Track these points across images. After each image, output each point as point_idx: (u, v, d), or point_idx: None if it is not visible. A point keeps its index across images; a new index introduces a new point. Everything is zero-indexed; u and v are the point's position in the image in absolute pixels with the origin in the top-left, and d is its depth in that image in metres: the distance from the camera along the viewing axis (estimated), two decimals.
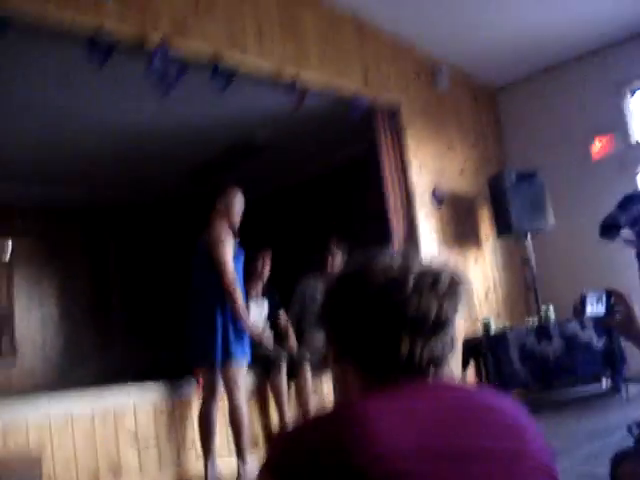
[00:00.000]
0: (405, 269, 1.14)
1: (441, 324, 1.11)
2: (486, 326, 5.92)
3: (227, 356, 4.40)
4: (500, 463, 1.02)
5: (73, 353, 8.15)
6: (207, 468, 4.52)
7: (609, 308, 1.71)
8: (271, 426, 5.20)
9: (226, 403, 4.57)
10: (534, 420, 1.12)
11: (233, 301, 4.40)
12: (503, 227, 6.73)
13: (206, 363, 4.50)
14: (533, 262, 6.72)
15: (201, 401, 4.64)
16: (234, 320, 4.45)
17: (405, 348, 1.09)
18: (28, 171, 7.33)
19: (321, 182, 8.36)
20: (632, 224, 5.83)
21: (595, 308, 1.71)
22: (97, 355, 8.21)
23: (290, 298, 5.74)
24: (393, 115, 6.49)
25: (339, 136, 7.12)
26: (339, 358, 1.19)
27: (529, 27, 6.49)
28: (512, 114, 7.64)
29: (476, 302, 6.76)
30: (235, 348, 4.43)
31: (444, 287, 1.13)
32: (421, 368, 1.11)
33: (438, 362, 1.12)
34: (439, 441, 1.00)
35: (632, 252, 5.52)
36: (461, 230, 6.87)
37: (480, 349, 5.68)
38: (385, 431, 0.98)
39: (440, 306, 1.11)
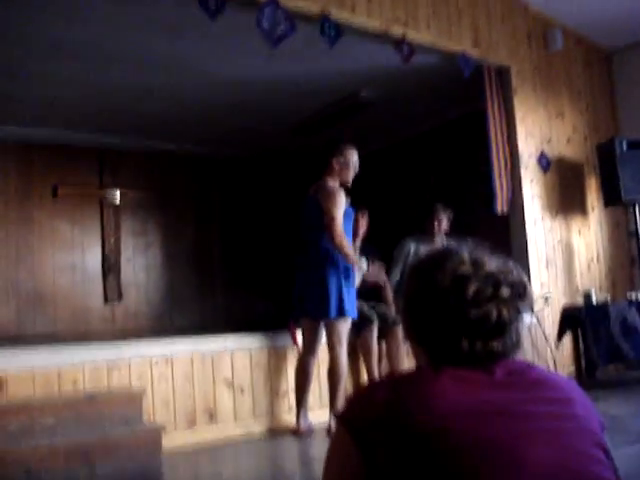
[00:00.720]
0: (469, 273, 1.19)
1: (501, 327, 1.17)
2: (587, 297, 5.77)
3: (339, 312, 4.46)
4: (547, 422, 1.10)
5: (175, 299, 8.44)
6: (300, 419, 4.64)
7: None
8: (360, 384, 5.26)
9: (323, 356, 4.66)
10: (586, 395, 1.20)
11: (344, 252, 4.42)
12: (611, 197, 6.48)
13: (317, 317, 4.56)
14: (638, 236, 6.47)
15: (300, 354, 4.74)
16: (345, 276, 4.50)
17: (465, 346, 1.17)
18: (136, 122, 7.56)
19: (431, 138, 8.24)
20: None
21: None
22: (198, 302, 8.49)
23: (392, 257, 5.74)
24: (501, 77, 6.33)
25: (450, 93, 6.98)
26: (411, 339, 1.30)
27: None
28: (626, 79, 7.29)
29: (577, 272, 6.60)
30: (347, 304, 4.48)
31: (505, 293, 1.18)
32: (482, 361, 1.17)
33: (499, 357, 1.18)
34: (493, 405, 1.09)
35: None
36: (567, 198, 6.67)
37: (579, 320, 5.55)
38: (446, 394, 1.08)
39: (499, 311, 1.17)
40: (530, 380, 1.16)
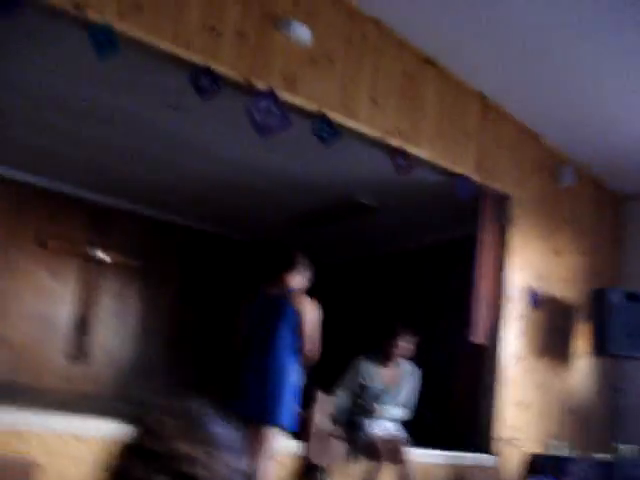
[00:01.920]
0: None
1: None
2: (551, 448, 5.44)
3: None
4: None
5: (142, 369, 8.17)
6: None
7: None
8: None
9: None
10: None
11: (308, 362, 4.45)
12: (600, 347, 6.17)
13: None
14: (624, 392, 6.12)
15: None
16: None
17: None
18: (132, 186, 7.50)
19: (413, 258, 8.09)
20: None
21: None
22: (166, 377, 8.18)
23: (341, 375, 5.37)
24: (502, 204, 6.15)
25: (445, 214, 6.83)
26: None
27: None
28: (635, 227, 7.06)
29: (555, 420, 6.22)
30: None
31: None
32: None
33: None
34: None
35: None
36: (554, 340, 6.36)
37: (538, 469, 5.20)
38: None
39: None
40: None
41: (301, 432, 4.79)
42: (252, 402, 4.35)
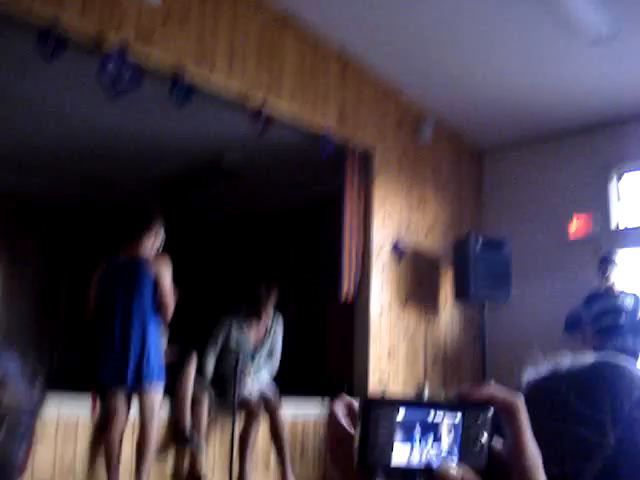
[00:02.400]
0: None
1: None
2: (419, 392, 5.69)
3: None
4: None
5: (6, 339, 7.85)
6: None
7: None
8: None
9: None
10: None
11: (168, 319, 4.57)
12: (461, 292, 6.45)
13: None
14: (487, 333, 6.43)
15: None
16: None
17: None
18: None
19: (287, 214, 8.13)
20: (592, 322, 5.73)
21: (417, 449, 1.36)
22: (32, 350, 7.90)
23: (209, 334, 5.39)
24: (365, 160, 6.26)
25: (311, 172, 6.88)
26: None
27: (525, 91, 6.27)
28: (494, 178, 7.38)
29: (421, 366, 6.47)
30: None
31: None
32: None
33: None
34: None
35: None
36: (420, 290, 6.59)
37: None
38: None
39: None
40: None
41: (172, 393, 4.81)
42: (120, 366, 4.38)
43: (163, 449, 4.76)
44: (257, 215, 8.45)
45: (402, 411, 0.68)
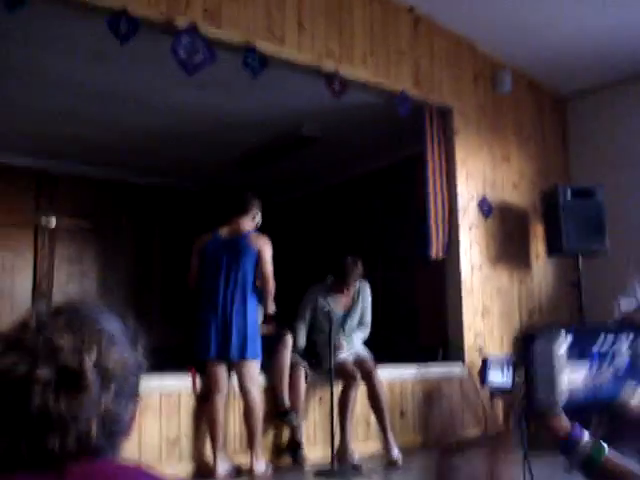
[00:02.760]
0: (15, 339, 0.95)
1: (47, 421, 0.90)
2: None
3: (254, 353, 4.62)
4: None
5: None
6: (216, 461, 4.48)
7: (514, 380, 1.34)
8: None
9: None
10: None
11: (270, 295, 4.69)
12: (554, 246, 6.26)
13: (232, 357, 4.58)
14: (583, 287, 6.23)
15: (211, 396, 4.57)
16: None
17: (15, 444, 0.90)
18: (72, 148, 7.32)
19: (369, 181, 8.07)
20: None
21: (501, 377, 1.34)
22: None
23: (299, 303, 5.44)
24: (444, 118, 6.13)
25: (391, 134, 6.78)
26: None
27: (603, 33, 5.99)
28: (579, 126, 7.10)
29: (518, 323, 6.33)
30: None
31: (44, 374, 0.91)
32: (49, 463, 0.90)
33: (68, 459, 0.91)
34: None
35: None
36: (509, 246, 6.43)
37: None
38: None
39: (42, 399, 0.91)
40: None
41: (268, 368, 4.87)
42: (224, 342, 4.50)
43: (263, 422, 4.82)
44: (340, 184, 8.43)
45: (568, 338, 0.63)
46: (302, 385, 4.99)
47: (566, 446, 1.11)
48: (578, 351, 0.58)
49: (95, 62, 5.35)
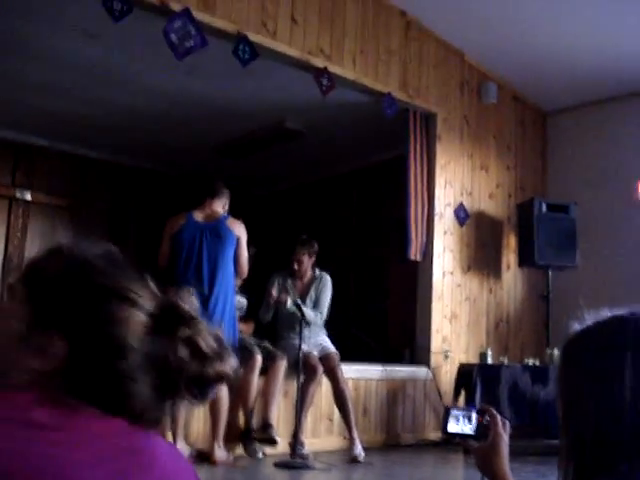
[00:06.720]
0: None
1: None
2: (482, 356, 5.62)
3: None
4: None
5: None
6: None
7: (478, 429, 1.38)
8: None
9: None
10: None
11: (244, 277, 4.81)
12: (525, 258, 6.37)
13: None
14: (551, 300, 6.34)
15: None
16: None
17: None
18: (53, 124, 7.26)
19: (350, 179, 8.10)
20: None
21: (462, 425, 1.39)
22: None
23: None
24: (427, 122, 6.19)
25: (374, 135, 6.82)
26: None
27: (588, 51, 6.10)
28: (558, 142, 7.21)
29: (484, 331, 6.43)
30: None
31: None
32: None
33: None
34: None
35: None
36: (482, 254, 6.52)
37: (472, 379, 5.36)
38: None
39: None
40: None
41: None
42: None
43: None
44: (319, 180, 8.45)
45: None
46: (280, 376, 4.94)
47: None
48: None
49: (81, 38, 5.30)
